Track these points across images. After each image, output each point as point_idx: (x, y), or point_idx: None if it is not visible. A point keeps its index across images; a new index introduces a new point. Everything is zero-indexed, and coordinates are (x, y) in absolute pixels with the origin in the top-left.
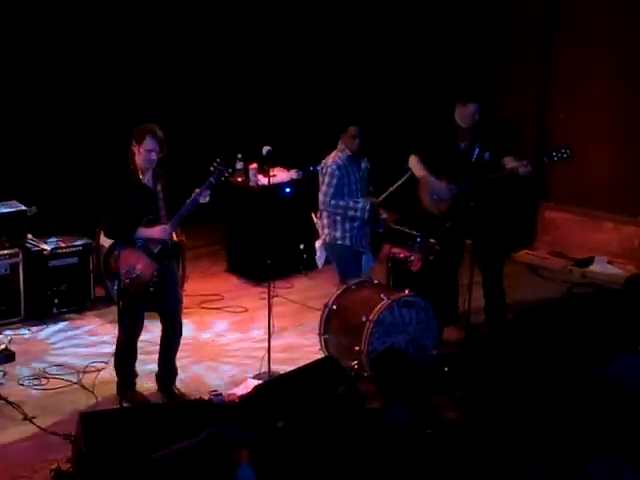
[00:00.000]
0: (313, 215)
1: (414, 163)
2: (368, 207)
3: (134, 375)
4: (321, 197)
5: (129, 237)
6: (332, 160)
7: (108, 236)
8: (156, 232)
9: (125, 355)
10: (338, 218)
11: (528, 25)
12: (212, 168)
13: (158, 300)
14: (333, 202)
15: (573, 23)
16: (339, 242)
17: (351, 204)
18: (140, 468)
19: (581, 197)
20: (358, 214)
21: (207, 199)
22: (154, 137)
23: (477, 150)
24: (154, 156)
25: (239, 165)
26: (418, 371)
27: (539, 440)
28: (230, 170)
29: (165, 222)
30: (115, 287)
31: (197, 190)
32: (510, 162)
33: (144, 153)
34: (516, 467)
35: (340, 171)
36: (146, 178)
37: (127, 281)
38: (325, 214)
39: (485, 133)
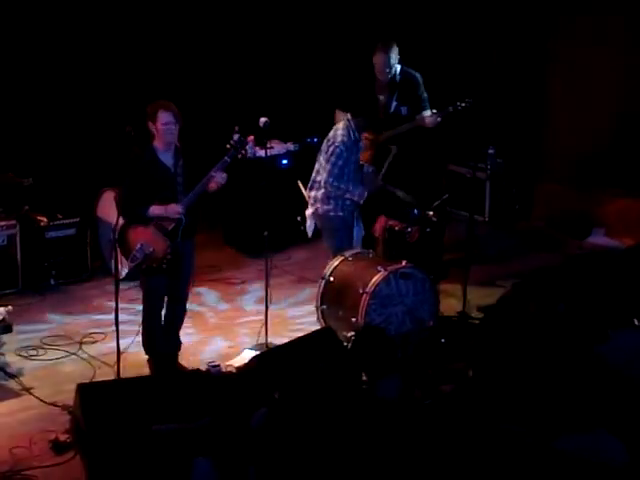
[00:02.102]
0: (300, 184)
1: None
2: (365, 194)
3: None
4: (323, 174)
5: (142, 215)
6: (340, 139)
7: (122, 213)
8: (167, 210)
9: (149, 331)
10: (332, 195)
11: None
12: (228, 146)
13: (170, 277)
14: (335, 183)
15: None
16: (332, 214)
17: (350, 188)
18: (139, 437)
19: (579, 169)
20: (355, 198)
21: (223, 181)
22: (166, 110)
23: (394, 104)
24: (172, 128)
25: (236, 137)
26: (394, 346)
27: (531, 408)
28: (247, 148)
29: (181, 200)
30: (111, 259)
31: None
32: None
33: (162, 128)
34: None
35: (347, 152)
36: (165, 156)
37: (140, 258)
38: (320, 188)
39: (402, 87)
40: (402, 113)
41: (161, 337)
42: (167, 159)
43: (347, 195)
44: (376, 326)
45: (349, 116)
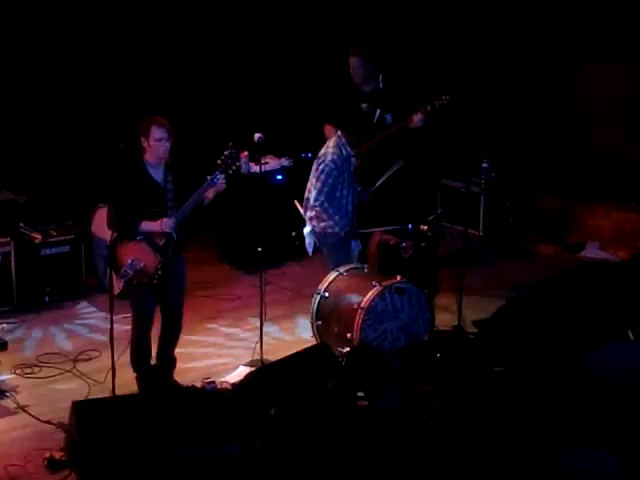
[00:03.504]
0: (297, 203)
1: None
2: (347, 229)
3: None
4: (314, 193)
5: (133, 230)
6: (330, 158)
7: (113, 229)
8: (158, 226)
9: (136, 348)
10: (324, 216)
11: None
12: (219, 161)
13: (163, 292)
14: (325, 205)
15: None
16: (329, 230)
17: (337, 217)
18: (160, 464)
19: (573, 183)
20: (336, 229)
21: (223, 186)
22: (159, 125)
23: (378, 112)
24: (165, 144)
25: (227, 152)
26: (386, 361)
27: (524, 425)
28: (238, 164)
29: (171, 215)
30: (106, 276)
31: (207, 179)
32: None
33: (154, 144)
34: (494, 445)
35: (338, 170)
36: (156, 171)
37: (131, 273)
38: (313, 207)
39: (386, 95)
40: (386, 121)
41: (149, 354)
42: (157, 174)
43: (330, 222)
44: (367, 344)
45: (339, 132)
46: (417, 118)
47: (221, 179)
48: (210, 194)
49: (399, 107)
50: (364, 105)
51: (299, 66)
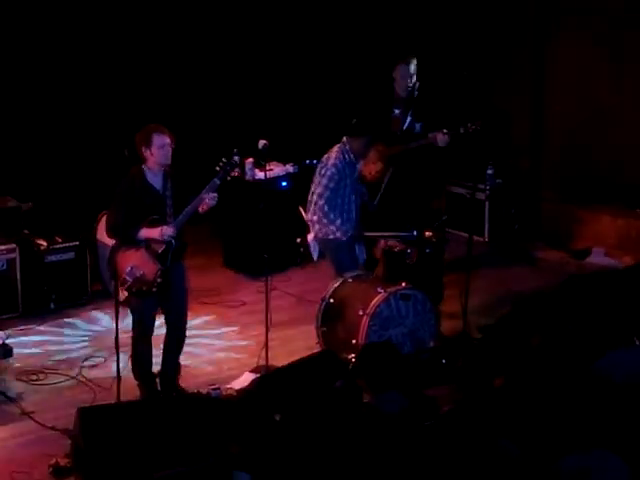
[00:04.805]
0: (301, 209)
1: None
2: (349, 234)
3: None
4: (315, 197)
5: (132, 237)
6: (332, 162)
7: (111, 236)
8: (157, 233)
9: (137, 355)
10: (325, 221)
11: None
12: (217, 168)
13: (164, 300)
14: (326, 209)
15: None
16: (331, 236)
17: (338, 222)
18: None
19: (579, 188)
20: (338, 234)
21: (214, 202)
22: (161, 133)
23: (409, 119)
24: (168, 150)
25: (225, 159)
26: (403, 360)
27: (529, 428)
28: (237, 170)
29: (171, 222)
30: (111, 282)
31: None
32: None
33: (158, 151)
34: (494, 445)
35: (340, 175)
36: (155, 179)
37: (130, 280)
38: (315, 211)
39: (419, 103)
40: (415, 130)
41: (150, 361)
42: (156, 181)
43: (332, 227)
44: (388, 341)
45: (345, 139)
46: (442, 139)
47: (214, 196)
48: (204, 206)
49: (430, 118)
50: (397, 111)
51: (304, 73)
